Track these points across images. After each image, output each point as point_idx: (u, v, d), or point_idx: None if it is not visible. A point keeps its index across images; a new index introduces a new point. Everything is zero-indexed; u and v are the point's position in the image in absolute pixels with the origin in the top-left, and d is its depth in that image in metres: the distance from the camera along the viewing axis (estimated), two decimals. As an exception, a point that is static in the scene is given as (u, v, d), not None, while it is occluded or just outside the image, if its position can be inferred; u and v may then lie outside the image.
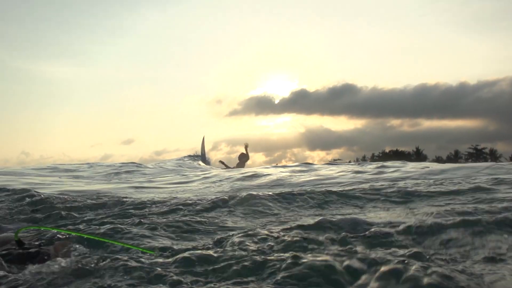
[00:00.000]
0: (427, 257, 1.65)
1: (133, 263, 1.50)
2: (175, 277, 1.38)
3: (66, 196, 4.00)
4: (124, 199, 3.97)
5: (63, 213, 3.19)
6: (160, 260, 1.59)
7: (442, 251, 1.79)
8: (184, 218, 2.99)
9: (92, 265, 1.40)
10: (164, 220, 2.89)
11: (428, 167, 6.59)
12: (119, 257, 1.51)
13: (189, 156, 14.83)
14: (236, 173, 6.74)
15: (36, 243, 1.60)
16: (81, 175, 7.79)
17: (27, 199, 3.84)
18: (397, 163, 7.91)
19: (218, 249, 1.87)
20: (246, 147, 13.24)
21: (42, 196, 3.95)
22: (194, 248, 1.89)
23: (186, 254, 1.63)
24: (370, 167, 7.11)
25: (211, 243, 2.06)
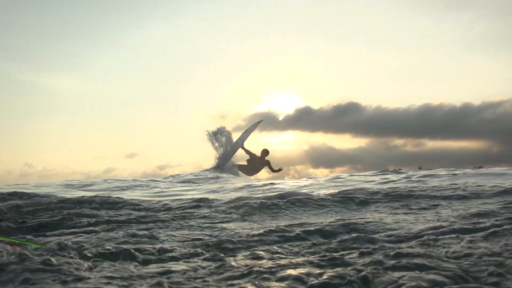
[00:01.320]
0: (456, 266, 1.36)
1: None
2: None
3: (68, 205, 3.84)
4: (135, 207, 3.79)
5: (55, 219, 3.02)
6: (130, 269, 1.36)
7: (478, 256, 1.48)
8: (186, 228, 2.77)
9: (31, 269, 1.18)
10: (167, 230, 2.68)
11: (456, 173, 6.20)
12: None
13: (211, 169, 14.38)
14: (251, 183, 6.52)
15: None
16: (98, 188, 7.72)
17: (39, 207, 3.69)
18: (422, 172, 7.51)
19: (221, 258, 1.63)
20: (279, 169, 14.16)
21: (51, 204, 3.80)
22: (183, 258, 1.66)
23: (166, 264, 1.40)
24: (391, 176, 6.76)
25: (216, 251, 1.83)
